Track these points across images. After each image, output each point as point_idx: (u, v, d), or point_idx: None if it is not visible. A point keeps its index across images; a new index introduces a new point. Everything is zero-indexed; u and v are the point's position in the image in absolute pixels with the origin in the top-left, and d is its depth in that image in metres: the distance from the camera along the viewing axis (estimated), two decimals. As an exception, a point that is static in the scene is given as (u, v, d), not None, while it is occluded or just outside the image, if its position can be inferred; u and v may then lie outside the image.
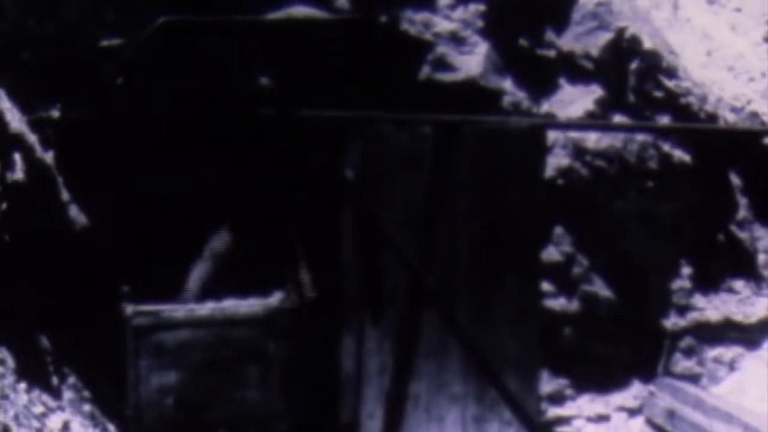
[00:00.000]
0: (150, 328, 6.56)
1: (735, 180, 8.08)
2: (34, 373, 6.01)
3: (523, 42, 7.75)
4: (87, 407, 6.38)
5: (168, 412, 6.56)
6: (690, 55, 8.40)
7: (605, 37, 7.81)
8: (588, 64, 7.81)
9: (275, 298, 6.74)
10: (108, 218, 7.11)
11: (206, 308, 6.74)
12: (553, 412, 7.80)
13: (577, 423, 7.81)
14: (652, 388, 7.78)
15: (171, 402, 6.57)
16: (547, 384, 7.74)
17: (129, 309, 6.55)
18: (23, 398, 5.73)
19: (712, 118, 8.07)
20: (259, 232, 6.96)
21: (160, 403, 6.55)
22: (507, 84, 7.73)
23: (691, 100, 7.99)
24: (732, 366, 7.98)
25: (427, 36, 7.63)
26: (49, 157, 6.92)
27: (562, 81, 7.82)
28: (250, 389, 6.69)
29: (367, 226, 7.29)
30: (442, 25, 7.65)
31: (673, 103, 7.93)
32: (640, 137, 7.85)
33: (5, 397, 5.56)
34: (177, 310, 6.68)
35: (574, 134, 7.78)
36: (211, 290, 6.87)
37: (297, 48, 7.42)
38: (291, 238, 7.03)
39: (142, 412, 6.53)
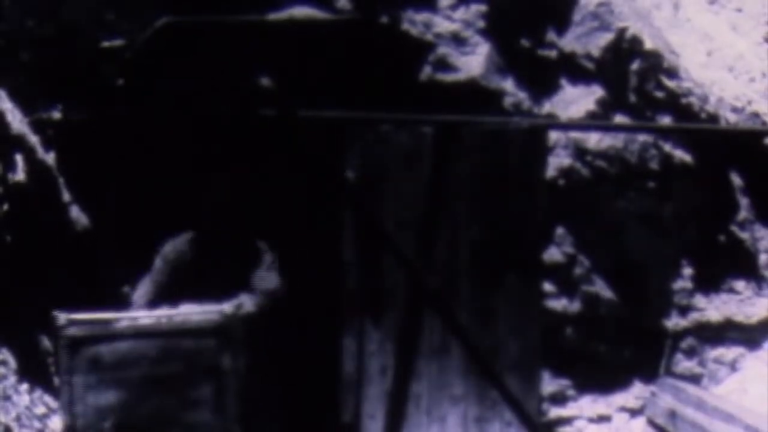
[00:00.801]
0: (86, 339, 5.56)
1: (736, 180, 8.08)
2: (36, 373, 6.00)
3: (524, 42, 7.74)
4: (88, 408, 6.36)
5: None
6: (691, 55, 8.39)
7: (606, 38, 7.80)
8: (589, 65, 7.80)
9: (230, 305, 5.72)
10: (109, 219, 7.11)
11: (151, 316, 5.76)
12: (554, 412, 7.79)
13: (579, 423, 7.80)
14: (653, 388, 7.77)
15: (110, 425, 5.60)
16: (549, 384, 7.73)
17: (61, 317, 5.56)
18: (25, 399, 5.73)
19: (713, 118, 8.07)
20: (238, 233, 6.35)
21: (98, 427, 5.60)
22: (508, 84, 7.72)
23: (692, 100, 7.98)
24: (733, 366, 7.98)
25: (428, 36, 7.62)
26: (50, 158, 6.92)
27: (563, 81, 7.81)
28: (202, 410, 5.67)
29: (367, 227, 7.29)
30: (443, 26, 7.64)
31: (674, 103, 7.93)
32: (641, 137, 7.84)
33: (7, 398, 5.55)
34: (118, 319, 5.69)
35: (575, 134, 7.77)
36: (166, 297, 6.08)
37: (298, 49, 7.42)
38: (260, 239, 6.36)
39: None
